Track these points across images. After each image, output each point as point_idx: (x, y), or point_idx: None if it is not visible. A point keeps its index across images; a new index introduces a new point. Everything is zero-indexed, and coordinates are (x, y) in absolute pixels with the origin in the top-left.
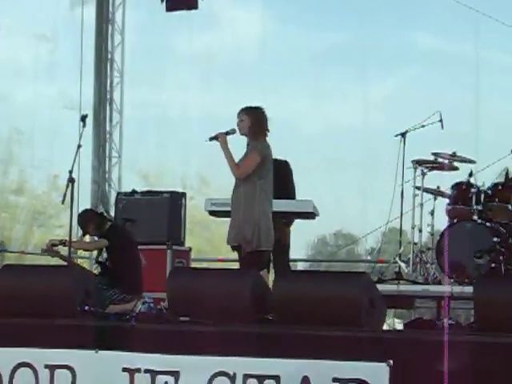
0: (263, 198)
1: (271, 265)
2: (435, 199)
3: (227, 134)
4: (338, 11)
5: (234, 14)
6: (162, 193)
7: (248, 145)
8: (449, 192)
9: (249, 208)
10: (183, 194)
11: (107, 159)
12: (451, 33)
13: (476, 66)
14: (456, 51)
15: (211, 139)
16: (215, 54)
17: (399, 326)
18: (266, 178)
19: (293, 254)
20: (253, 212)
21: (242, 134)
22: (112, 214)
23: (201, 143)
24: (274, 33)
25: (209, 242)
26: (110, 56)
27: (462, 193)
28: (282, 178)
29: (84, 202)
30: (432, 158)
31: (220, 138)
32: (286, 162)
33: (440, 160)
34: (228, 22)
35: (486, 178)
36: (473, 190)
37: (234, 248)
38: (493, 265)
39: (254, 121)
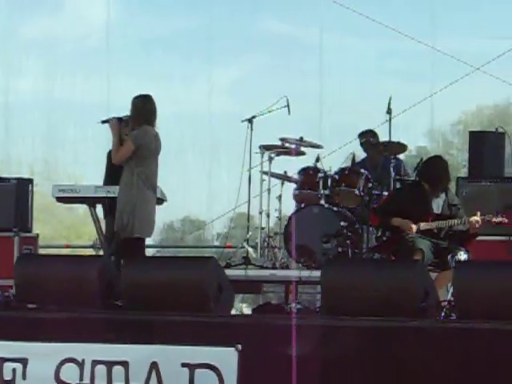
0: (141, 185)
1: None
2: (282, 184)
3: (120, 120)
4: None
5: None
6: (8, 179)
7: None
8: (296, 177)
9: (126, 195)
10: (30, 181)
11: None
12: (296, 18)
13: (319, 50)
14: (301, 36)
15: (103, 122)
16: (60, 39)
17: (247, 310)
18: (146, 166)
19: None
20: (131, 199)
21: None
22: None
23: (46, 129)
24: (119, 18)
25: (56, 228)
26: None
27: (309, 178)
28: None
29: None
30: (279, 143)
31: (111, 122)
32: None
33: (287, 145)
34: (72, 7)
35: (332, 163)
36: (320, 174)
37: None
38: (340, 249)
39: (133, 109)
